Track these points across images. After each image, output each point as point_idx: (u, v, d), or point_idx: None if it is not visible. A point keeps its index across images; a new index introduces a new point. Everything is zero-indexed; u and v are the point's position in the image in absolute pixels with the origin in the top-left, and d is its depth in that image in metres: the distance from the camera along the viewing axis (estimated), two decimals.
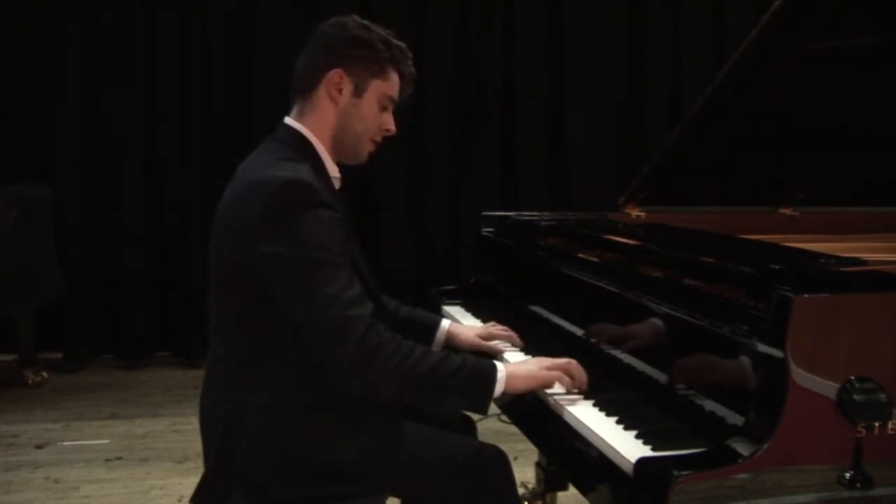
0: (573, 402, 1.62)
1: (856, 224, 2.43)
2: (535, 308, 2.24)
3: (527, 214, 2.56)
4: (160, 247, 4.89)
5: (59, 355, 4.85)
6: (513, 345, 2.04)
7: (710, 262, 1.59)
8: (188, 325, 4.79)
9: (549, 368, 1.65)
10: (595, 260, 1.96)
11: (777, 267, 1.38)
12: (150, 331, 4.94)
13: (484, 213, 2.68)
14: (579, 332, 1.96)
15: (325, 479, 1.61)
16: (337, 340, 1.52)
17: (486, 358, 1.76)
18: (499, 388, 1.59)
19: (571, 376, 1.65)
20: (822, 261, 1.54)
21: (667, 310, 1.57)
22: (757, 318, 1.32)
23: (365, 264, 1.73)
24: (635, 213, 2.50)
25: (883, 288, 1.36)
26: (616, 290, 1.78)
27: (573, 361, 1.68)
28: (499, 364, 1.63)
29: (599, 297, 1.84)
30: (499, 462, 1.79)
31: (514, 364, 1.70)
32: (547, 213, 2.63)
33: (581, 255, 2.03)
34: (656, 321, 1.61)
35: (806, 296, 1.26)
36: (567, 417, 1.58)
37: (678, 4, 5.35)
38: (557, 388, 1.67)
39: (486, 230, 2.65)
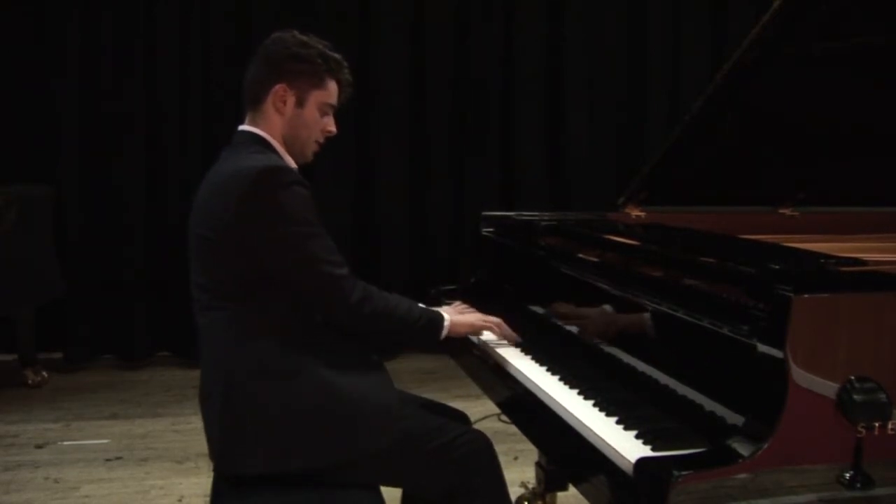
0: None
1: (856, 224, 2.42)
2: (535, 308, 2.24)
3: (527, 214, 2.56)
4: (160, 247, 4.88)
5: (59, 355, 4.86)
6: None
7: (710, 262, 1.59)
8: (188, 325, 4.76)
9: (483, 322, 2.05)
10: (595, 260, 1.96)
11: (777, 267, 1.38)
12: (150, 331, 4.95)
13: (484, 213, 2.69)
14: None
15: (326, 435, 1.74)
16: (333, 297, 1.80)
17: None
18: (444, 333, 1.97)
19: (501, 331, 2.06)
20: (822, 261, 1.54)
21: (667, 310, 1.57)
22: (757, 318, 1.32)
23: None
24: (635, 213, 2.50)
25: (883, 288, 1.35)
26: (616, 290, 1.78)
27: (500, 322, 2.07)
28: (445, 314, 1.99)
29: (599, 297, 1.84)
30: (485, 448, 1.91)
31: (457, 315, 2.06)
32: (547, 213, 2.62)
33: (581, 255, 2.03)
34: (656, 321, 1.61)
35: (806, 296, 1.26)
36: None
37: (678, 4, 5.36)
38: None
39: (486, 230, 2.64)
